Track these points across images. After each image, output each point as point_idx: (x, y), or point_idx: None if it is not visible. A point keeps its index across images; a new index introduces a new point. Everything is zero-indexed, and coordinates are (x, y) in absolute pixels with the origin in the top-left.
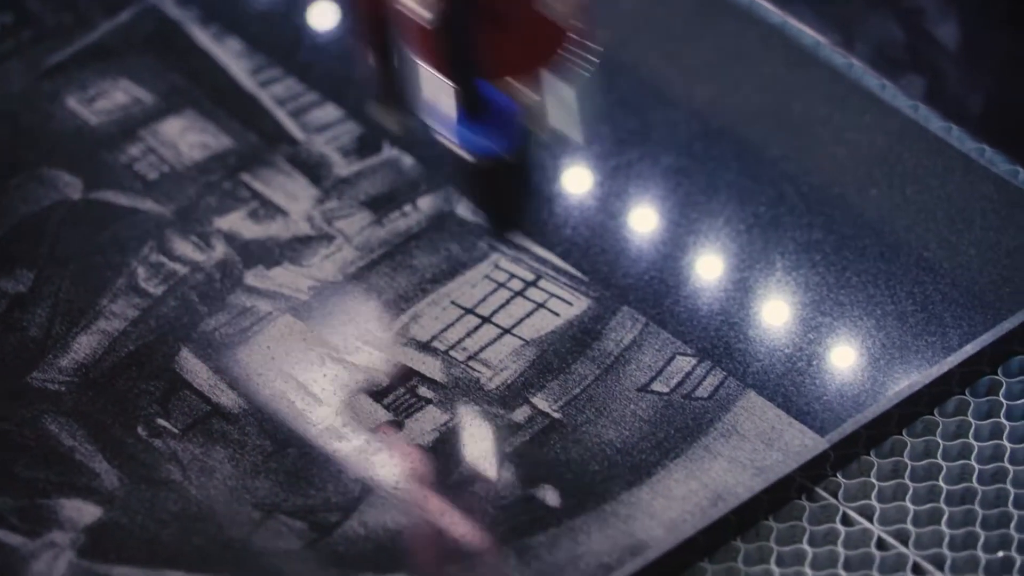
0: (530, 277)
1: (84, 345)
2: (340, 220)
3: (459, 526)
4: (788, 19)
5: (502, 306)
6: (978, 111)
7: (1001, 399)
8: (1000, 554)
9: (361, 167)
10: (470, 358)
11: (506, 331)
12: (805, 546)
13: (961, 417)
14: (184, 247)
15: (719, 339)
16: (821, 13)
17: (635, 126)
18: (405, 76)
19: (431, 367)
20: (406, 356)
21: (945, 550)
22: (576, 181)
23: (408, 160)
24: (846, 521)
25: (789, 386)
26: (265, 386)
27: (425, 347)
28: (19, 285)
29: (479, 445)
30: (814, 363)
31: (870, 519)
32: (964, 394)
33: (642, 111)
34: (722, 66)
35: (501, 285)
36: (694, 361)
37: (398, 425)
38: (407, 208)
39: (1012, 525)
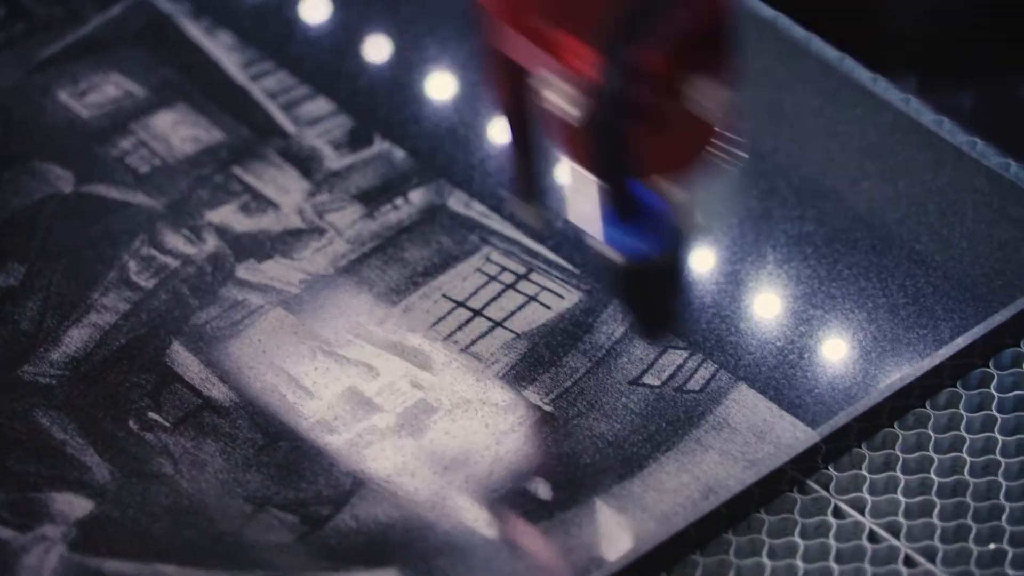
0: (521, 270)
1: (75, 338)
2: (331, 213)
3: (450, 519)
4: (779, 14)
5: (493, 299)
6: (969, 104)
7: (993, 392)
8: (991, 546)
9: (352, 160)
10: (461, 351)
11: (497, 324)
12: (797, 539)
13: (953, 410)
14: (175, 240)
15: (710, 332)
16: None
17: None
18: (548, 173)
19: (422, 360)
20: (397, 349)
21: (937, 542)
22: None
23: (399, 154)
24: (838, 514)
25: (780, 379)
26: (256, 379)
27: (416, 340)
28: (10, 279)
29: (470, 437)
30: (805, 356)
31: (862, 512)
32: (956, 387)
33: None
34: None
35: (492, 278)
36: (685, 354)
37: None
38: (398, 201)
39: (1003, 517)
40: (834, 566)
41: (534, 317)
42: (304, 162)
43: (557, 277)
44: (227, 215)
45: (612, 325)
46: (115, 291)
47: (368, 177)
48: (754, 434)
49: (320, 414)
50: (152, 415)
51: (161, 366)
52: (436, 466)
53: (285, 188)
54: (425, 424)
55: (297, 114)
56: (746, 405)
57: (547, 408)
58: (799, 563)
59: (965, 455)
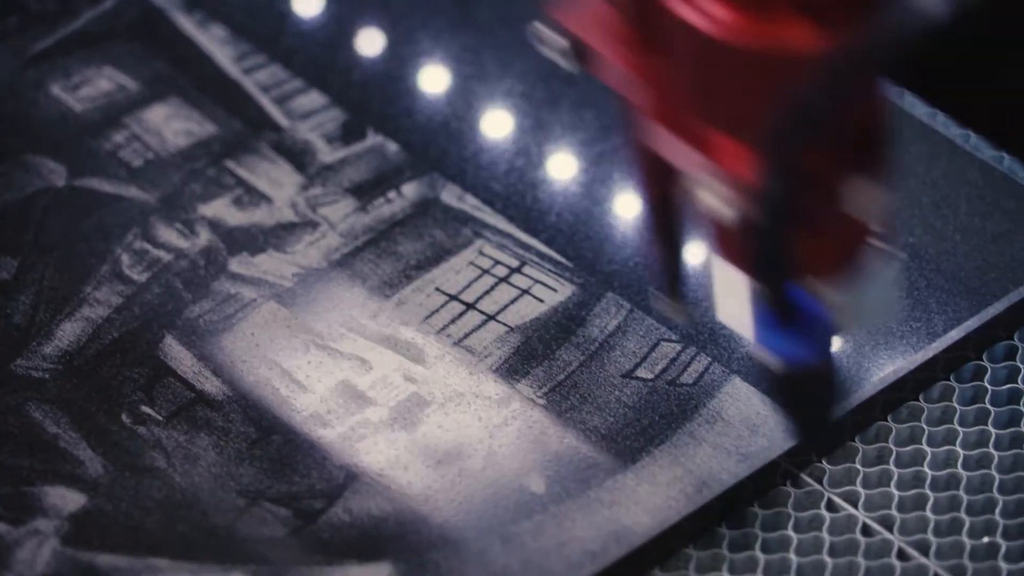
0: (514, 263)
1: (68, 332)
2: (324, 207)
3: (443, 512)
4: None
5: (486, 292)
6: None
7: (986, 385)
8: (985, 540)
9: (345, 154)
10: (454, 345)
11: (491, 317)
12: (790, 532)
13: (946, 403)
14: (168, 234)
15: (704, 325)
16: None
17: (619, 111)
18: (698, 271)
19: (415, 354)
20: (390, 343)
21: (930, 536)
22: (561, 167)
23: (392, 147)
24: (831, 507)
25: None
26: (249, 373)
27: (409, 334)
28: (3, 272)
29: (463, 431)
30: None
31: (855, 505)
32: (949, 380)
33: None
34: None
35: (485, 271)
36: (679, 347)
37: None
38: (391, 195)
39: (997, 511)
40: (827, 560)
41: (527, 310)
42: (297, 156)
43: (550, 270)
44: (220, 209)
45: (605, 318)
46: (108, 285)
47: (361, 171)
48: (747, 427)
49: (313, 408)
50: (145, 409)
51: (154, 360)
52: (429, 460)
53: (278, 182)
54: (418, 418)
55: (290, 107)
56: (739, 399)
57: (540, 401)
58: (792, 557)
59: (959, 448)
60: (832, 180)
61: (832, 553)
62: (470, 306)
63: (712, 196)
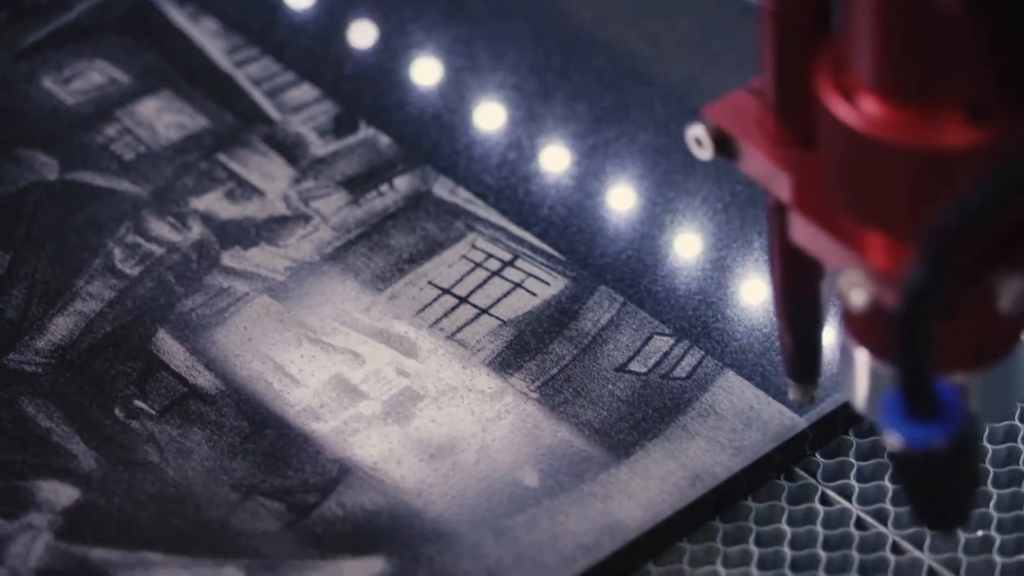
0: (507, 257)
1: (61, 326)
2: (317, 200)
3: (436, 506)
4: None
5: (479, 286)
6: None
7: None
8: (979, 533)
9: (338, 147)
10: (447, 338)
11: (483, 311)
12: (784, 526)
13: None
14: (161, 228)
15: (697, 319)
16: None
17: (612, 104)
18: (828, 353)
19: (408, 348)
20: (383, 337)
21: (924, 530)
22: (553, 160)
23: (384, 140)
24: (825, 501)
25: (768, 365)
26: (242, 367)
27: (402, 328)
28: None
29: (456, 424)
30: None
31: (849, 499)
32: None
33: (619, 89)
34: (699, 44)
35: (478, 265)
36: (672, 341)
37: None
38: (384, 188)
39: (991, 504)
40: (821, 553)
41: (520, 304)
42: (289, 149)
43: (543, 264)
44: (212, 202)
45: (598, 312)
46: (100, 279)
47: (353, 164)
48: (741, 421)
49: (306, 402)
50: (138, 403)
51: (147, 354)
52: (422, 453)
53: (270, 175)
54: (411, 412)
55: (282, 100)
56: (733, 392)
57: (533, 395)
58: (786, 550)
59: None
60: (983, 274)
61: (826, 547)
62: (463, 300)
63: (858, 289)
